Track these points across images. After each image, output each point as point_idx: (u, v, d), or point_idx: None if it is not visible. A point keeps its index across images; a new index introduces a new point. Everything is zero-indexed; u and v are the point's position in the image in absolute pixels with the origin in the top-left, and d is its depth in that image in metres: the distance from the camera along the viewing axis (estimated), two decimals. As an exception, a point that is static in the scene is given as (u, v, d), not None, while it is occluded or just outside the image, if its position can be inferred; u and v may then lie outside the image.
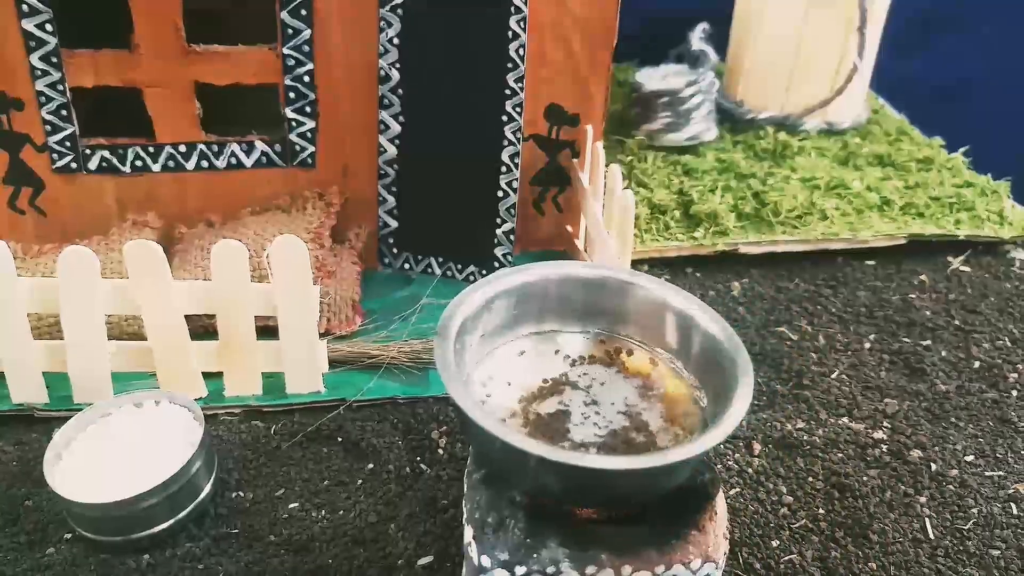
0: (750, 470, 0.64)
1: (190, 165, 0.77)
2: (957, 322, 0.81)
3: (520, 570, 0.44)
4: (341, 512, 0.59)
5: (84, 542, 0.56)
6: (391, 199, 0.80)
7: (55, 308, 0.62)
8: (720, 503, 0.48)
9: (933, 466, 0.65)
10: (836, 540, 0.59)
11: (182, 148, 0.76)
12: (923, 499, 0.62)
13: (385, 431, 0.65)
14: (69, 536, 0.57)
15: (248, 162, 0.77)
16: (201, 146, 0.76)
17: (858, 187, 0.95)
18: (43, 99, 0.72)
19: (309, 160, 0.78)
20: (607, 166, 0.73)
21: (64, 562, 0.55)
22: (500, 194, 0.78)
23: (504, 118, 0.75)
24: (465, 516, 0.48)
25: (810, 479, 0.63)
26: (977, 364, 0.76)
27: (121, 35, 0.71)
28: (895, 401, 0.71)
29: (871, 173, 0.99)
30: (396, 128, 0.77)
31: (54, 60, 0.70)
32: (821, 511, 0.61)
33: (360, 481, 0.62)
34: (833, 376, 0.74)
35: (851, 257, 0.90)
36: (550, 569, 0.44)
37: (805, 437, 0.67)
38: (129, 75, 0.72)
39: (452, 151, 0.77)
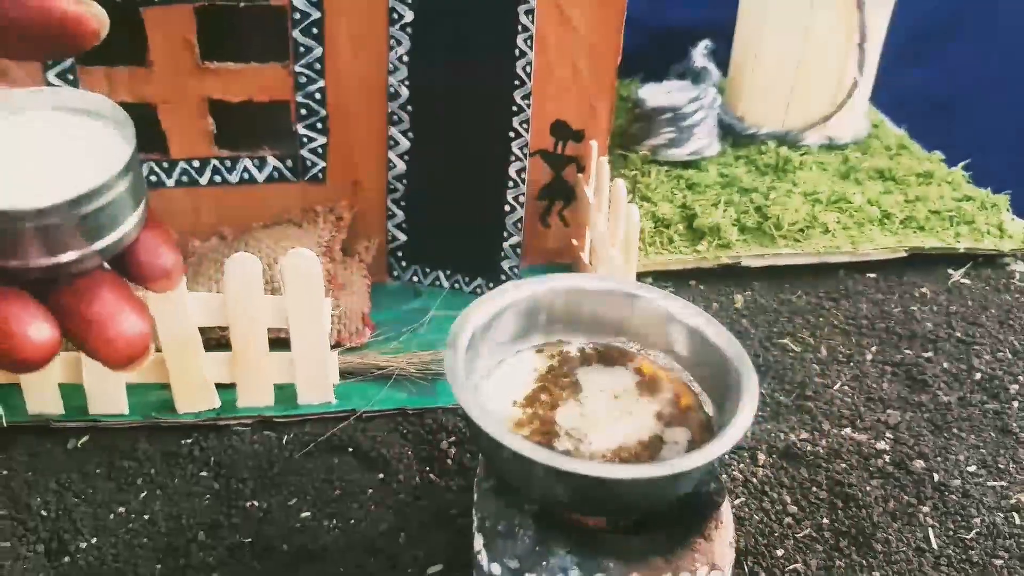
0: (755, 480, 0.65)
1: (203, 180, 0.78)
2: (958, 334, 0.82)
3: (530, 577, 0.45)
4: (352, 521, 0.60)
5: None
6: (400, 213, 0.81)
7: (71, 320, 0.63)
8: (726, 512, 0.49)
9: (936, 476, 0.65)
10: (840, 549, 0.59)
11: (195, 163, 0.77)
12: (926, 509, 0.63)
13: (395, 441, 0.66)
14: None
15: (260, 177, 0.79)
16: (214, 161, 0.77)
17: (859, 201, 0.96)
18: (59, 116, 0.73)
19: (320, 175, 0.80)
20: (612, 180, 0.74)
21: (80, 572, 0.56)
22: (507, 208, 0.79)
23: (511, 134, 0.76)
24: (475, 525, 0.49)
25: (814, 489, 0.64)
26: (978, 375, 0.76)
27: (136, 52, 0.73)
28: (897, 412, 0.72)
29: (872, 187, 1.00)
30: (405, 144, 0.78)
31: (70, 77, 0.72)
32: (825, 521, 0.61)
33: (371, 491, 0.63)
34: (836, 387, 0.74)
35: (853, 270, 0.91)
36: (560, 576, 0.45)
37: (808, 448, 0.67)
38: (143, 91, 0.74)
39: (460, 166, 0.78)
